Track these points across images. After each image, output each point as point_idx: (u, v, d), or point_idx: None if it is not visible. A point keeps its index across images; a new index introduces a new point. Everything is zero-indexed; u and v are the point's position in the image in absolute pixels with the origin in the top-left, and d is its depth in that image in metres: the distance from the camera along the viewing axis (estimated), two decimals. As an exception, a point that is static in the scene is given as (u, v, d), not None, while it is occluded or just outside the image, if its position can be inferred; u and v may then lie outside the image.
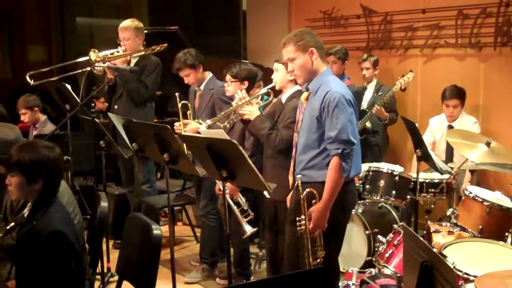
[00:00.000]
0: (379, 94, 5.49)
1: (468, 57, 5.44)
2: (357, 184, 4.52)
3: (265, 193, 3.77)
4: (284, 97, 3.90)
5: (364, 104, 5.56)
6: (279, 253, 3.90)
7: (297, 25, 6.47)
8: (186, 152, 3.73)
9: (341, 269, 3.69)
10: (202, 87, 4.66)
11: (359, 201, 4.67)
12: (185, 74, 4.58)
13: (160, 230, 2.89)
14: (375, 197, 4.55)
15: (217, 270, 4.75)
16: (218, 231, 4.66)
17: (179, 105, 4.48)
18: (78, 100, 4.61)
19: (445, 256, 3.16)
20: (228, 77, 4.26)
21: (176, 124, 4.43)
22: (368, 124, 5.38)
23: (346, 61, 5.50)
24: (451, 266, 2.98)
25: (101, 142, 4.45)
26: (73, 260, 2.68)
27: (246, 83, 4.22)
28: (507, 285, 2.35)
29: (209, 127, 3.80)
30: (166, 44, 5.08)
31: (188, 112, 4.55)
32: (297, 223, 3.24)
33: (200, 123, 4.04)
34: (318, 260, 3.23)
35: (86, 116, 4.85)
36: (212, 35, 7.36)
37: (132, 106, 4.99)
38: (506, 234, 3.68)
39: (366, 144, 5.27)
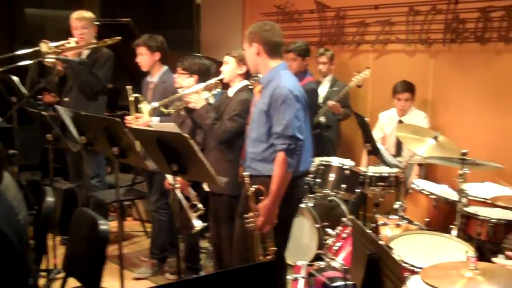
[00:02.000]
0: (334, 89, 5.52)
1: (418, 53, 5.54)
2: (308, 178, 4.56)
3: (205, 186, 3.74)
4: (231, 91, 3.90)
5: (320, 99, 5.58)
6: (222, 246, 3.90)
7: (251, 19, 6.47)
8: (137, 146, 3.68)
9: (291, 263, 3.71)
10: (156, 79, 4.61)
11: (310, 195, 4.71)
12: (140, 53, 4.55)
13: (107, 225, 2.82)
14: (325, 191, 4.58)
15: (167, 266, 4.71)
16: (168, 226, 4.62)
17: (131, 98, 4.42)
18: (25, 92, 4.49)
19: (391, 249, 3.20)
20: (178, 69, 4.25)
21: (128, 117, 4.36)
22: (322, 119, 5.41)
23: (308, 57, 5.38)
24: (397, 259, 3.04)
25: (49, 135, 4.35)
26: (12, 260, 2.60)
27: (196, 76, 4.20)
28: (451, 276, 2.38)
29: (154, 109, 3.77)
30: (119, 37, 5.00)
31: (140, 105, 4.48)
32: (246, 220, 3.24)
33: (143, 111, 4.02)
34: (269, 256, 3.24)
35: (32, 108, 4.73)
36: (166, 28, 7.27)
37: (83, 99, 4.90)
38: (451, 226, 3.76)
39: (319, 139, 5.30)
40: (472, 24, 5.11)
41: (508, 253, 2.98)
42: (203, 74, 4.28)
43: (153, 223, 4.82)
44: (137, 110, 4.44)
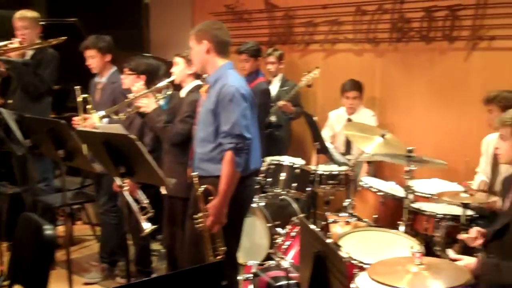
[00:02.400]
0: (284, 88, 5.55)
1: (365, 52, 5.62)
2: (259, 178, 4.57)
3: (162, 189, 3.72)
4: (183, 92, 3.87)
5: (268, 100, 5.60)
6: (176, 248, 3.87)
7: (201, 18, 6.41)
8: (84, 149, 3.62)
9: (242, 263, 3.71)
10: (104, 80, 4.54)
11: (262, 194, 4.73)
12: (90, 55, 4.46)
13: (53, 230, 2.76)
14: (276, 190, 4.60)
15: (118, 269, 4.65)
16: (118, 228, 4.55)
17: (79, 99, 4.34)
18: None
19: (339, 246, 3.24)
20: (125, 69, 4.19)
21: (75, 118, 4.28)
22: (273, 118, 5.43)
23: (260, 57, 5.39)
24: (345, 256, 3.08)
25: (-9, 139, 4.24)
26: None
27: (144, 77, 4.15)
28: (397, 272, 2.42)
29: (103, 117, 3.72)
30: (64, 37, 4.89)
31: (88, 106, 4.41)
32: (196, 220, 3.22)
33: (94, 114, 3.95)
34: (220, 257, 3.23)
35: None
36: (114, 28, 7.15)
37: (27, 101, 4.79)
38: (399, 222, 3.82)
39: (271, 138, 5.33)
40: (417, 23, 5.22)
41: (462, 235, 3.06)
42: (151, 74, 4.24)
43: (102, 227, 4.74)
44: (86, 111, 4.37)
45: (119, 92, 4.42)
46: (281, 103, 5.26)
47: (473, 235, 3.02)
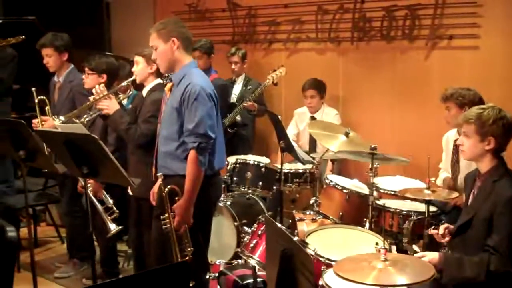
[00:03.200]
0: (248, 88, 5.56)
1: (328, 51, 5.66)
2: (225, 177, 4.57)
3: (128, 190, 3.68)
4: (145, 91, 3.84)
5: (234, 98, 5.60)
6: (144, 249, 3.84)
7: (163, 17, 6.32)
8: (45, 149, 3.56)
9: (210, 262, 3.70)
10: (61, 79, 4.47)
11: (228, 193, 4.72)
12: (47, 54, 4.40)
13: (15, 232, 2.71)
14: (243, 189, 4.61)
15: (85, 271, 4.60)
16: (83, 228, 4.50)
17: (36, 100, 4.27)
18: None
19: (307, 244, 3.26)
20: (86, 69, 4.13)
21: (34, 121, 4.20)
22: (238, 118, 5.43)
23: (212, 55, 5.50)
24: (311, 253, 3.09)
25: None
26: None
27: (105, 76, 4.11)
28: (363, 268, 2.45)
29: (64, 123, 3.67)
30: (23, 36, 4.79)
31: (47, 108, 4.34)
32: (162, 221, 3.20)
33: (55, 120, 3.89)
34: (187, 257, 3.21)
35: None
36: (74, 27, 7.04)
37: (-15, 102, 4.68)
38: (364, 219, 3.87)
39: (236, 137, 5.34)
40: (378, 23, 5.29)
41: (432, 231, 3.11)
42: (112, 74, 4.20)
43: (66, 228, 4.69)
44: (44, 113, 4.31)
45: (77, 91, 4.37)
46: (246, 104, 5.27)
47: (441, 232, 3.07)
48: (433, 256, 2.84)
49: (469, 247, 2.88)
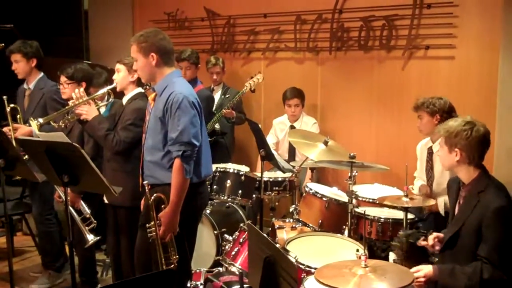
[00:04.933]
0: (227, 96, 5.57)
1: (306, 60, 5.72)
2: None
3: (104, 198, 3.67)
4: (125, 99, 3.84)
5: (213, 106, 5.61)
6: (122, 258, 3.83)
7: (141, 26, 6.38)
8: (24, 158, 3.54)
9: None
10: (31, 86, 4.48)
11: (208, 202, 4.71)
12: (15, 60, 4.42)
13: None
14: (222, 197, 4.61)
15: (64, 279, 4.56)
16: (57, 236, 4.48)
17: (8, 109, 4.26)
18: None
19: (287, 251, 3.28)
20: (63, 79, 4.12)
21: (5, 129, 4.15)
22: (217, 126, 5.44)
23: (199, 65, 5.46)
24: (293, 260, 3.12)
25: None
26: None
27: (84, 84, 4.10)
28: (343, 275, 2.48)
29: (41, 126, 3.65)
30: (2, 44, 4.77)
31: (18, 116, 4.33)
32: (148, 230, 3.20)
33: (30, 125, 3.87)
34: (172, 266, 3.21)
35: None
36: (53, 35, 7.00)
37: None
38: (344, 227, 3.91)
39: (215, 146, 5.34)
40: (356, 33, 5.36)
41: (422, 242, 3.15)
42: (89, 81, 4.20)
43: (40, 237, 4.64)
44: (16, 121, 4.29)
45: (48, 98, 4.38)
46: (224, 112, 5.29)
47: (431, 242, 3.10)
48: (428, 269, 2.89)
49: (459, 258, 2.92)
